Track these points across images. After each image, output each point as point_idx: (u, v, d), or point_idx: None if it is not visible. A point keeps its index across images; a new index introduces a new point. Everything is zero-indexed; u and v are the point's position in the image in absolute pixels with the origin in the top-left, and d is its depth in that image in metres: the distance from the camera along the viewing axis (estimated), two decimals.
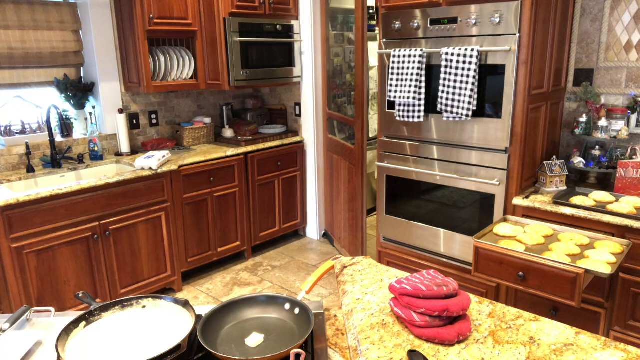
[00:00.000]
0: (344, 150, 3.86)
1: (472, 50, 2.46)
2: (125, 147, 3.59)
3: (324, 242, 4.42)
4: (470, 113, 2.52)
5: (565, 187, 2.64)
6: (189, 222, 3.51)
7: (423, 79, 2.70)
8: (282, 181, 4.15)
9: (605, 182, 2.73)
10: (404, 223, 3.05)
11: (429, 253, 2.97)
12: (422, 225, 2.95)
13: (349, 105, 4.53)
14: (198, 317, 1.25)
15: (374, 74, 4.65)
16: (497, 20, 2.40)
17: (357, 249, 3.78)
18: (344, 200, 3.97)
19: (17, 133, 3.22)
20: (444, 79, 2.58)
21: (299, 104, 4.27)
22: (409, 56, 2.70)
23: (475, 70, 2.47)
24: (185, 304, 1.30)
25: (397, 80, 2.78)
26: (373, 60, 4.62)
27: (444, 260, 2.90)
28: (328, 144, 4.19)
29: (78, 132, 3.58)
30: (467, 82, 2.50)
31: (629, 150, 2.57)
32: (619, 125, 2.65)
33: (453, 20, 2.57)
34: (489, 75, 2.50)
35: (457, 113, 2.56)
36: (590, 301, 2.34)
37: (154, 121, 3.88)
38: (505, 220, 2.38)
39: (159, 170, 3.20)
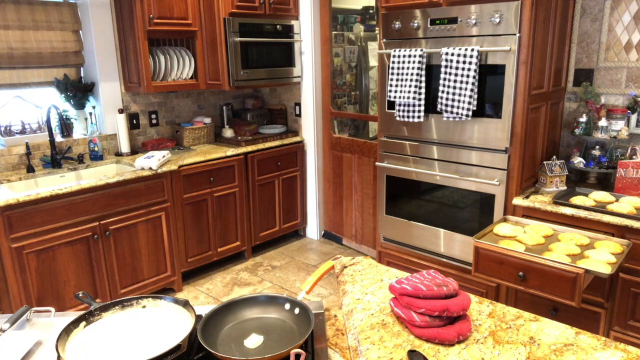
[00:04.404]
0: (361, 147, 3.95)
1: (472, 50, 2.46)
2: (125, 147, 3.59)
3: (324, 242, 4.42)
4: (470, 113, 2.52)
5: (565, 187, 2.64)
6: (189, 222, 3.51)
7: (423, 79, 2.70)
8: (282, 181, 4.15)
9: (605, 182, 2.73)
10: (404, 223, 3.05)
11: (429, 253, 2.97)
12: (422, 225, 2.95)
13: (349, 105, 4.54)
14: (198, 317, 1.25)
15: (374, 74, 4.65)
16: (497, 20, 2.40)
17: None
18: (362, 197, 4.04)
19: (17, 133, 3.22)
20: (444, 79, 2.58)
21: (299, 104, 4.27)
22: (409, 56, 2.70)
23: (475, 70, 2.47)
24: (185, 304, 1.30)
25: (397, 80, 2.78)
26: (373, 60, 4.62)
27: (444, 260, 2.90)
28: (334, 143, 4.20)
29: (78, 132, 3.58)
30: (467, 82, 2.50)
31: (629, 150, 2.57)
32: (619, 125, 2.65)
33: (453, 20, 2.57)
34: (489, 75, 2.50)
35: (457, 113, 2.56)
36: (590, 301, 2.34)
37: (154, 121, 3.88)
38: (505, 220, 2.38)
39: (159, 170, 3.20)
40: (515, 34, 2.37)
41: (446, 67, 2.56)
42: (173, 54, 3.64)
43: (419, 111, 2.75)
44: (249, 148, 3.83)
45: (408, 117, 2.80)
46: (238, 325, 1.28)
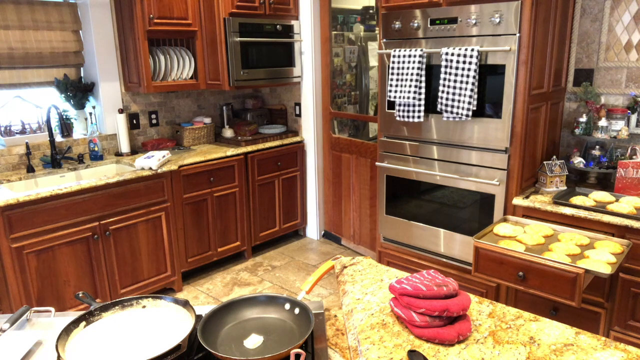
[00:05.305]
0: (359, 147, 3.93)
1: (472, 50, 2.46)
2: (125, 147, 3.59)
3: (324, 242, 4.42)
4: (470, 113, 2.52)
5: (565, 187, 2.64)
6: (189, 222, 3.51)
7: (423, 79, 2.70)
8: (282, 181, 4.15)
9: (605, 182, 2.73)
10: (404, 223, 3.05)
11: (429, 253, 2.97)
12: (422, 225, 2.95)
13: (349, 105, 4.54)
14: (198, 317, 1.25)
15: (374, 74, 4.65)
16: (497, 20, 2.40)
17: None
18: (359, 198, 4.03)
19: (17, 133, 3.22)
20: (444, 79, 2.58)
21: (299, 104, 4.27)
22: (409, 56, 2.70)
23: (475, 70, 2.47)
24: (185, 304, 1.30)
25: (397, 80, 2.78)
26: (373, 60, 4.62)
27: (444, 260, 2.90)
28: (333, 143, 4.20)
29: (78, 132, 3.58)
30: (467, 82, 2.50)
31: (629, 150, 2.57)
32: (619, 125, 2.65)
33: (453, 20, 2.57)
34: (489, 75, 2.50)
35: (457, 113, 2.56)
36: (590, 301, 2.34)
37: (154, 121, 3.88)
38: (505, 220, 2.38)
39: (159, 170, 3.20)
40: (515, 34, 2.37)
41: (446, 67, 2.56)
42: (173, 54, 3.64)
43: (419, 111, 2.75)
44: (249, 148, 3.83)
45: (408, 117, 2.80)
46: (238, 325, 1.28)
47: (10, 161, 3.17)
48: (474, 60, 2.45)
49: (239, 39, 3.64)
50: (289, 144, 4.14)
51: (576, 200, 2.38)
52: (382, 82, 2.99)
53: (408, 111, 2.79)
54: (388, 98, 2.85)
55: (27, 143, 3.11)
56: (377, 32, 4.56)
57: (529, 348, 1.13)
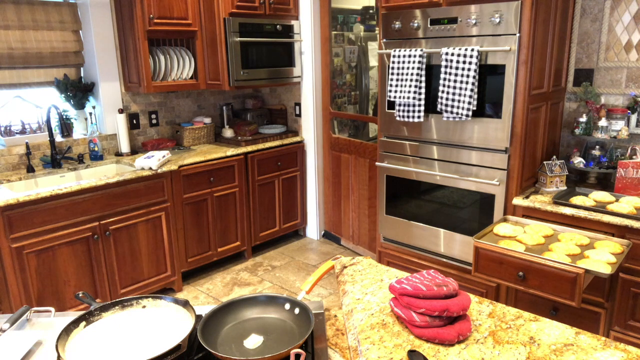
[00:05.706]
0: (357, 147, 3.93)
1: (472, 50, 2.46)
2: (125, 147, 3.59)
3: (324, 242, 4.42)
4: (470, 113, 2.52)
5: (565, 187, 2.64)
6: (189, 222, 3.51)
7: (423, 79, 2.70)
8: (282, 181, 4.15)
9: (605, 182, 2.73)
10: (404, 223, 3.05)
11: (429, 253, 2.97)
12: (422, 225, 2.95)
13: (349, 105, 4.54)
14: (198, 317, 1.25)
15: (374, 74, 4.65)
16: (497, 20, 2.40)
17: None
18: (358, 198, 4.03)
19: (17, 133, 3.22)
20: (444, 79, 2.58)
21: (299, 104, 4.27)
22: (409, 56, 2.70)
23: (475, 70, 2.47)
24: (185, 304, 1.30)
25: (397, 80, 2.78)
26: (373, 60, 4.62)
27: (444, 260, 2.90)
28: (333, 143, 4.20)
29: (78, 132, 3.57)
30: (467, 82, 2.50)
31: (629, 150, 2.57)
32: (619, 125, 2.65)
33: (453, 20, 2.57)
34: (489, 75, 2.50)
35: (457, 113, 2.56)
36: (590, 301, 2.34)
37: (154, 121, 3.88)
38: (505, 220, 2.38)
39: (159, 170, 3.20)
40: (515, 34, 2.37)
41: (446, 67, 2.56)
42: (173, 54, 3.64)
43: (419, 111, 2.75)
44: (249, 148, 3.83)
45: (408, 117, 2.80)
46: (238, 325, 1.28)
47: (10, 161, 3.17)
48: (474, 60, 2.45)
49: (239, 39, 3.64)
50: (289, 144, 4.14)
51: (576, 200, 2.38)
52: (382, 82, 2.99)
53: (408, 111, 2.79)
54: (388, 98, 2.85)
55: (27, 143, 3.11)
56: (377, 32, 4.55)
57: (529, 348, 1.13)
